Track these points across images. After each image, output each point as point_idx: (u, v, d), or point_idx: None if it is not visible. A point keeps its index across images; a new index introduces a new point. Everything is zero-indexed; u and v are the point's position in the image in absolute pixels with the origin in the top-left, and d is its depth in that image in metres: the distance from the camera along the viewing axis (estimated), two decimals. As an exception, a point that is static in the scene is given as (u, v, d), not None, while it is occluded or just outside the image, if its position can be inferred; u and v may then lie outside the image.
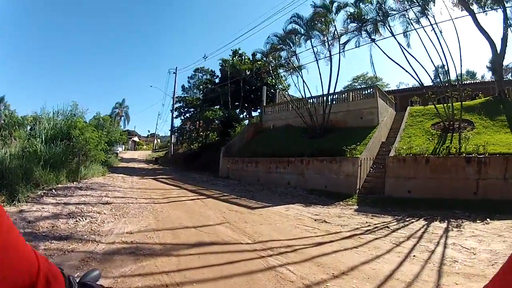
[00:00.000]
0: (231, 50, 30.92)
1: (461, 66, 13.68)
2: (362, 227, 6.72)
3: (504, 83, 16.74)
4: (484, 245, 5.23)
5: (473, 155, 10.49)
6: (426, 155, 11.11)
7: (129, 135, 53.01)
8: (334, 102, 16.84)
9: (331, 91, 16.84)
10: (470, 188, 10.15)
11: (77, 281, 0.66)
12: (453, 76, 17.09)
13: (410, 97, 22.73)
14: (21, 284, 0.50)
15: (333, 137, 14.88)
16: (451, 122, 13.86)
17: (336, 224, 6.94)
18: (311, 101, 18.16)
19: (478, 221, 7.46)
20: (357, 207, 9.63)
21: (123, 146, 48.18)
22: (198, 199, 10.25)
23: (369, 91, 16.80)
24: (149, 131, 76.50)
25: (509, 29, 15.10)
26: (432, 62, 13.11)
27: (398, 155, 11.39)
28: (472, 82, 27.34)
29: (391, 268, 4.13)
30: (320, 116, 16.52)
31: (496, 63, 16.31)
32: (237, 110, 28.56)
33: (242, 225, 6.45)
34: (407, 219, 7.76)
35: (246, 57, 30.18)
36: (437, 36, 14.15)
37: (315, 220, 7.26)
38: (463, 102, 14.53)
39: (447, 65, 13.86)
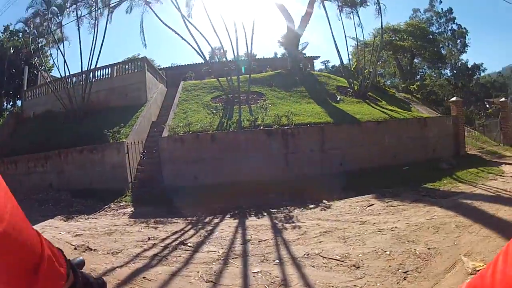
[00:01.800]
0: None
1: (252, 39, 16.74)
2: (145, 250, 5.83)
3: (299, 58, 21.13)
4: (359, 246, 5.53)
5: (275, 127, 11.65)
6: (211, 132, 11.63)
7: None
8: (95, 80, 17.50)
9: (94, 66, 17.46)
10: (278, 164, 11.22)
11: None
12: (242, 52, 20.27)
13: (185, 74, 24.13)
14: (26, 265, 0.62)
15: (93, 121, 15.19)
16: (236, 95, 15.35)
17: (105, 251, 5.86)
18: (72, 80, 18.61)
19: (310, 206, 8.56)
20: (132, 209, 9.52)
21: None
22: None
23: (137, 63, 17.88)
24: None
25: (316, 7, 19.15)
26: (217, 35, 14.82)
27: (173, 135, 11.67)
28: (267, 58, 32.38)
29: None
30: (80, 97, 16.94)
31: (292, 38, 20.11)
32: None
33: None
34: (206, 220, 7.75)
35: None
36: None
37: (76, 248, 6.03)
38: (251, 75, 16.71)
39: (234, 40, 16.06)
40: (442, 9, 54.10)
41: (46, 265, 0.65)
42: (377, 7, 20.09)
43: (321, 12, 19.04)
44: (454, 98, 16.53)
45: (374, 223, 6.77)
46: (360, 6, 20.61)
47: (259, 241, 5.90)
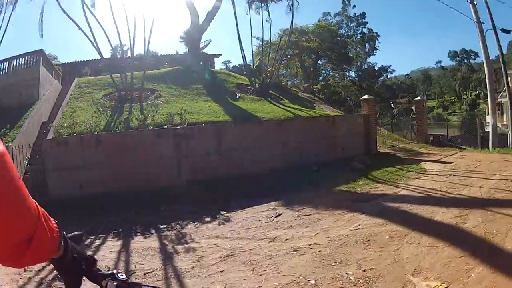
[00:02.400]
0: None
1: (150, 33, 15.77)
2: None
3: (199, 55, 20.77)
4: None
5: (166, 127, 10.99)
6: (96, 133, 10.79)
7: None
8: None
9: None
10: (171, 170, 10.41)
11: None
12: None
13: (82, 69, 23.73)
14: (24, 231, 0.73)
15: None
16: (129, 92, 14.85)
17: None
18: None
19: (206, 220, 7.43)
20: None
21: None
22: None
23: (31, 57, 16.76)
24: None
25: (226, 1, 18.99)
26: (117, 29, 13.71)
27: (58, 137, 10.58)
28: (168, 54, 31.32)
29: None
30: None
31: (195, 33, 19.76)
32: None
33: None
34: (86, 243, 6.54)
35: None
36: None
37: None
38: (146, 71, 16.11)
39: (132, 34, 15.48)
40: (354, 13, 59.58)
41: (40, 236, 0.77)
42: (290, 3, 20.47)
43: (229, 7, 18.46)
44: (366, 96, 16.80)
45: (286, 239, 5.67)
46: (271, 1, 20.87)
47: (144, 273, 4.86)
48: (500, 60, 20.12)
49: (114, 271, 1.04)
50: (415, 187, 9.09)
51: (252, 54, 24.77)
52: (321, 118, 14.94)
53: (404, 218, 6.33)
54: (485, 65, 18.73)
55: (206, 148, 10.88)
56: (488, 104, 21.70)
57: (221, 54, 51.09)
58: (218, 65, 45.33)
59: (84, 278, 0.99)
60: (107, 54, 19.61)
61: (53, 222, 0.85)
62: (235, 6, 18.64)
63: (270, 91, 18.47)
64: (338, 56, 46.65)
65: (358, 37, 58.40)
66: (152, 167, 10.00)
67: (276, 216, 7.00)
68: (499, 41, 18.45)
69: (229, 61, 56.28)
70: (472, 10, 17.35)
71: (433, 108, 77.36)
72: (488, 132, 23.88)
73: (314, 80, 40.27)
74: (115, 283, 1.00)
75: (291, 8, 20.39)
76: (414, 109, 24.99)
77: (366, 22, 59.39)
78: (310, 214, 6.98)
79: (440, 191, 8.42)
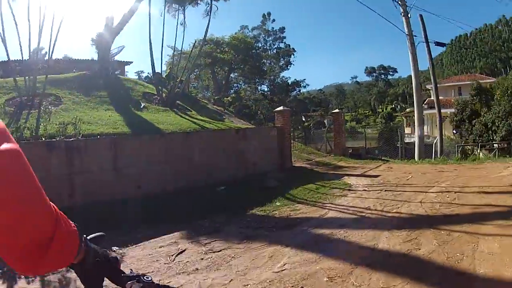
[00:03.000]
0: None
1: (57, 34, 14.08)
2: None
3: (107, 60, 19.55)
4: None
5: (58, 138, 9.76)
6: None
7: None
8: None
9: None
10: (62, 190, 8.80)
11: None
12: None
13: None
14: (40, 237, 0.74)
15: None
16: (31, 97, 13.62)
17: None
18: None
19: None
20: None
21: None
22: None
23: None
24: None
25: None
26: (29, 29, 12.35)
27: None
28: (80, 59, 30.16)
29: None
30: None
31: (106, 37, 18.37)
32: None
33: None
34: None
35: None
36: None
37: None
38: (50, 76, 14.81)
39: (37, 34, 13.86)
40: (272, 28, 62.35)
41: (60, 236, 0.78)
42: (208, 7, 20.07)
43: (147, 11, 18.01)
44: (280, 108, 16.02)
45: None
46: (189, 4, 20.18)
47: None
48: (430, 72, 20.79)
49: (140, 273, 1.03)
50: (344, 207, 8.08)
51: (161, 62, 23.84)
52: (231, 130, 13.98)
53: (341, 250, 5.21)
54: (413, 77, 19.32)
55: (102, 164, 9.23)
56: (405, 116, 22.42)
57: (132, 62, 49.93)
58: (132, 74, 46.23)
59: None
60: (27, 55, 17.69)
61: (72, 224, 0.88)
62: (151, 7, 17.88)
63: (178, 102, 17.66)
64: (251, 69, 47.40)
65: (274, 51, 60.67)
66: (43, 185, 8.04)
67: (179, 254, 5.46)
68: (431, 54, 19.74)
69: (142, 71, 58.34)
70: (404, 23, 18.15)
71: (346, 121, 78.83)
72: (408, 143, 24.54)
73: (225, 92, 40.49)
74: (140, 285, 0.98)
75: (209, 13, 19.86)
76: (326, 122, 24.92)
77: (284, 37, 62.28)
78: (221, 250, 5.56)
79: (375, 210, 7.48)
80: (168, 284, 1.80)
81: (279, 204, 8.65)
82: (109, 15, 17.90)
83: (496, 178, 10.27)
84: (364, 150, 20.52)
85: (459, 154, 18.97)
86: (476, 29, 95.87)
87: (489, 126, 24.19)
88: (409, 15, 17.99)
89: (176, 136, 11.59)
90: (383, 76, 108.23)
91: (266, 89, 59.67)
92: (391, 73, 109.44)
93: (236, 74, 50.21)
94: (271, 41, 61.49)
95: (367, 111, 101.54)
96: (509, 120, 22.57)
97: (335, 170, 14.06)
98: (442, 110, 30.05)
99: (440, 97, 33.82)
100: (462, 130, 27.89)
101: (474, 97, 27.44)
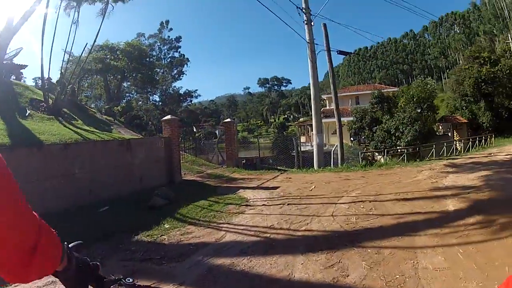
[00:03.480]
0: None
1: None
2: None
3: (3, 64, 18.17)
4: None
5: None
6: None
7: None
8: None
9: None
10: None
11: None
12: None
13: None
14: (24, 245, 0.79)
15: None
16: None
17: None
18: None
19: None
20: None
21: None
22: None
23: None
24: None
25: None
26: None
27: None
28: None
29: None
30: None
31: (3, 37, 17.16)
32: None
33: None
34: None
35: None
36: None
37: None
38: None
39: None
40: (169, 36, 64.16)
41: (44, 244, 0.84)
42: (104, 6, 20.72)
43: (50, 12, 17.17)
44: (168, 117, 15.13)
45: None
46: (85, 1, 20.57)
47: None
48: (331, 81, 21.13)
49: (121, 276, 1.10)
50: (243, 227, 7.11)
51: (49, 66, 24.83)
52: (114, 142, 13.11)
53: (249, 286, 4.18)
54: (311, 85, 19.58)
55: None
56: (299, 125, 22.58)
57: (27, 65, 46.89)
58: (29, 81, 42.76)
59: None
60: None
61: (53, 231, 0.93)
62: (48, 5, 16.76)
63: (64, 110, 16.81)
64: (143, 78, 48.29)
65: (168, 60, 62.40)
66: None
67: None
68: (332, 63, 20.14)
69: (38, 78, 53.50)
70: (306, 31, 18.38)
71: (238, 131, 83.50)
72: (304, 151, 24.74)
73: (117, 102, 41.63)
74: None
75: (103, 12, 20.23)
76: (217, 133, 24.41)
77: (179, 46, 64.06)
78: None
79: (281, 228, 6.61)
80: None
81: (168, 226, 7.47)
82: (8, 15, 16.46)
83: (412, 183, 10.28)
84: (259, 160, 20.22)
85: (362, 160, 19.35)
86: (378, 42, 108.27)
87: (392, 132, 26.26)
88: (312, 23, 18.33)
89: (55, 148, 10.55)
90: (276, 87, 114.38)
91: (158, 99, 61.27)
92: (284, 84, 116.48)
93: (129, 83, 51.61)
94: (166, 50, 63.09)
95: (259, 122, 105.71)
96: (415, 126, 24.75)
97: (229, 183, 13.30)
98: (334, 120, 31.76)
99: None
100: (362, 137, 29.79)
101: (375, 105, 29.56)
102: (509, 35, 36.88)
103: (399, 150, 23.74)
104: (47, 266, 0.87)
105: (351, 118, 31.85)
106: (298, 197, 9.54)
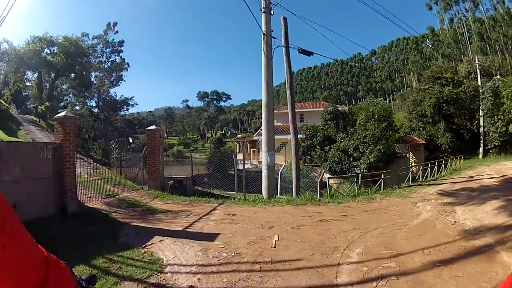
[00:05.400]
0: None
1: None
2: None
3: None
4: None
5: None
6: None
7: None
8: None
9: None
10: None
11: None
12: None
13: None
14: (32, 279, 0.72)
15: None
16: None
17: None
18: None
19: None
20: None
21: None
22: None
23: None
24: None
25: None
26: None
27: None
28: None
29: None
30: None
31: None
32: None
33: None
34: None
35: None
36: None
37: None
38: None
39: None
40: (113, 39, 61.79)
41: (54, 278, 0.76)
42: None
43: None
44: (62, 114, 10.03)
45: None
46: None
47: None
48: (287, 86, 16.86)
49: None
50: None
51: None
52: None
53: None
54: (263, 85, 14.46)
55: None
56: (238, 141, 19.09)
57: None
58: None
59: None
60: None
61: (63, 264, 0.84)
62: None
63: None
64: (78, 78, 46.86)
65: (110, 64, 59.87)
66: None
67: None
68: (290, 62, 15.89)
69: None
70: (263, 20, 14.71)
71: (174, 145, 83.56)
72: (247, 169, 20.92)
73: (56, 103, 41.32)
74: None
75: None
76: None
77: (121, 51, 61.74)
78: None
79: None
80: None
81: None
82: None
83: (423, 226, 7.51)
84: (191, 181, 15.70)
85: (327, 188, 15.22)
86: (323, 63, 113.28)
87: (350, 152, 23.04)
88: (271, 13, 14.36)
89: None
90: (215, 102, 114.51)
91: (94, 105, 58.89)
92: (224, 99, 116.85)
93: (66, 85, 50.87)
94: (108, 53, 60.50)
95: (195, 136, 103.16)
96: (379, 146, 21.57)
97: (143, 218, 8.70)
98: (281, 136, 29.47)
99: (279, 123, 33.42)
100: (313, 156, 26.73)
101: (329, 122, 26.78)
102: (476, 57, 36.84)
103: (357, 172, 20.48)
104: None
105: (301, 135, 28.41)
106: (257, 263, 5.11)
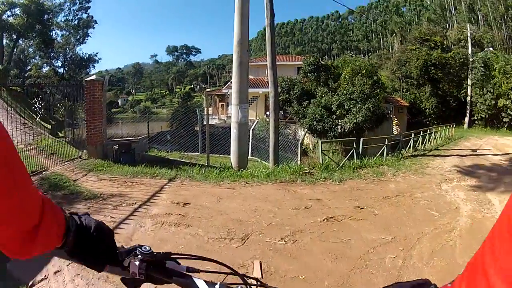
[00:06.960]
0: None
1: None
2: None
3: None
4: None
5: None
6: None
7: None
8: None
9: None
10: None
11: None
12: None
13: None
14: (28, 224, 0.71)
15: None
16: None
17: None
18: None
19: None
20: None
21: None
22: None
23: None
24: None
25: None
26: None
27: None
28: None
29: None
30: None
31: None
32: None
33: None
34: None
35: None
36: None
37: None
38: None
39: None
40: None
41: (46, 225, 0.74)
42: None
43: None
44: None
45: None
46: None
47: None
48: (266, 22, 13.31)
49: (136, 244, 0.91)
50: None
51: None
52: None
53: None
54: (236, 20, 10.88)
55: None
56: (207, 95, 16.54)
57: None
58: None
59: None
60: None
61: (57, 206, 0.82)
62: None
63: None
64: (38, 36, 44.32)
65: (76, 22, 54.59)
66: None
67: None
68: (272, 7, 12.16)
69: None
70: None
71: (141, 101, 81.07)
72: (212, 125, 18.21)
73: (18, 66, 40.47)
74: (140, 258, 0.86)
75: None
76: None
77: (89, 7, 56.46)
78: None
79: None
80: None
81: None
82: None
83: (472, 229, 5.07)
84: (144, 143, 12.62)
85: (322, 156, 11.55)
86: (296, 19, 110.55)
87: (333, 109, 20.14)
88: None
89: None
90: (185, 56, 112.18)
91: (60, 65, 54.54)
92: (194, 53, 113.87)
93: (33, 47, 48.16)
94: (75, 10, 54.58)
95: (164, 91, 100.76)
96: (368, 104, 18.85)
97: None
98: (253, 90, 26.49)
99: (250, 76, 30.40)
100: (290, 112, 24.12)
101: (309, 74, 23.64)
102: (468, 25, 35.45)
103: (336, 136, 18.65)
104: (49, 243, 0.77)
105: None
106: None
